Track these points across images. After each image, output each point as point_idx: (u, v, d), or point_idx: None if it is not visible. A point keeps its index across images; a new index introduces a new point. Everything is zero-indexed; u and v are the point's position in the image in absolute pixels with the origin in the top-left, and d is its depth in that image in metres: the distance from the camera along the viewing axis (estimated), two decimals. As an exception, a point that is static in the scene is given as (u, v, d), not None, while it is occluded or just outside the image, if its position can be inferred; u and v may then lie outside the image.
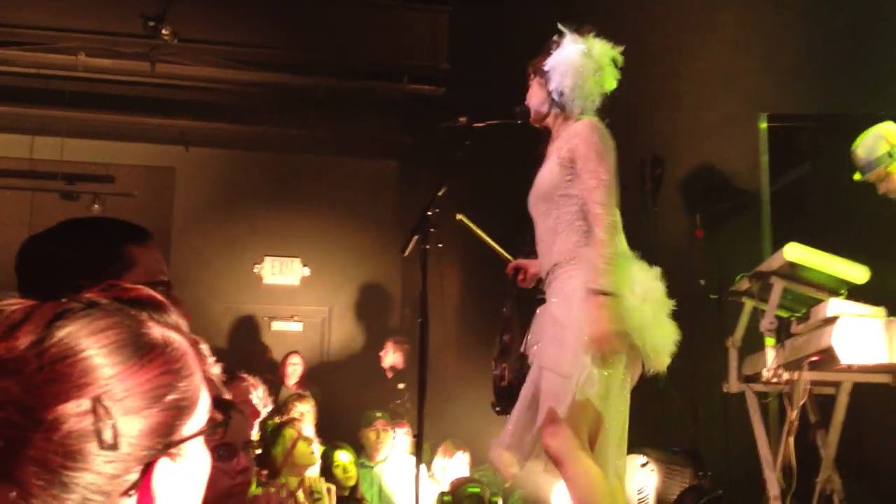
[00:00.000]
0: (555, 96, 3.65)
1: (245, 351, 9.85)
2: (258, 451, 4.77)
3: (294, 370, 8.44)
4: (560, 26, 3.70)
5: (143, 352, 0.98)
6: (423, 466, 4.41)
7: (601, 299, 3.31)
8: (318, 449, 5.64)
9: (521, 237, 3.92)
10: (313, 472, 5.45)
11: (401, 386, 8.09)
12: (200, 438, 1.05)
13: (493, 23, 7.84)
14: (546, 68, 3.67)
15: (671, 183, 6.43)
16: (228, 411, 1.16)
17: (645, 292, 3.44)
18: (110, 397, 0.94)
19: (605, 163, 3.48)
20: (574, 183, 3.52)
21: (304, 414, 6.35)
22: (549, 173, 3.62)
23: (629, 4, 6.68)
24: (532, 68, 3.77)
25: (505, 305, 4.01)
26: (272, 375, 8.76)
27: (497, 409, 3.92)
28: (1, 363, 0.93)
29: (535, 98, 3.76)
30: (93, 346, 0.95)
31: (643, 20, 6.55)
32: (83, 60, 8.60)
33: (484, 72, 7.70)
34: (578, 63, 3.61)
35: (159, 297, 1.08)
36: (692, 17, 6.63)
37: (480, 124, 3.93)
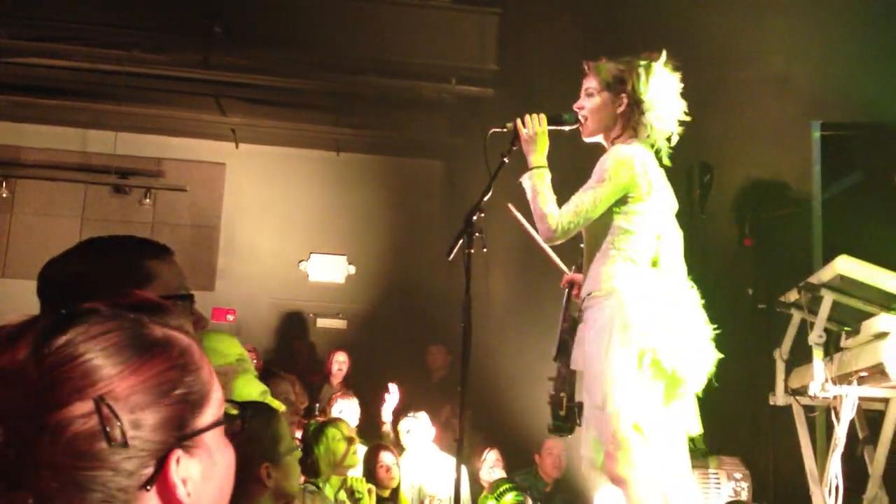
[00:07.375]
0: (636, 124, 3.53)
1: (290, 347, 9.93)
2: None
3: (339, 368, 8.43)
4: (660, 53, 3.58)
5: (144, 350, 1.00)
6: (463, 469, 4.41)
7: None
8: (360, 449, 5.65)
9: (577, 247, 3.78)
10: (356, 472, 5.45)
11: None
12: (219, 431, 1.07)
13: (542, 26, 7.80)
14: (641, 95, 3.51)
15: (720, 190, 6.36)
16: (244, 408, 1.17)
17: (675, 305, 3.36)
18: (113, 396, 0.95)
19: (605, 182, 3.40)
20: (608, 209, 3.45)
21: (345, 412, 6.36)
22: None
23: (682, 9, 6.60)
24: (598, 77, 3.59)
25: (561, 324, 3.94)
26: (317, 372, 8.81)
27: (553, 431, 3.90)
28: (2, 375, 0.95)
29: (600, 114, 3.60)
30: (92, 350, 0.97)
31: (696, 25, 6.47)
32: (137, 56, 8.72)
33: (533, 74, 7.66)
34: (676, 102, 3.55)
35: (157, 299, 1.09)
36: (746, 22, 6.53)
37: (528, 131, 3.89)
